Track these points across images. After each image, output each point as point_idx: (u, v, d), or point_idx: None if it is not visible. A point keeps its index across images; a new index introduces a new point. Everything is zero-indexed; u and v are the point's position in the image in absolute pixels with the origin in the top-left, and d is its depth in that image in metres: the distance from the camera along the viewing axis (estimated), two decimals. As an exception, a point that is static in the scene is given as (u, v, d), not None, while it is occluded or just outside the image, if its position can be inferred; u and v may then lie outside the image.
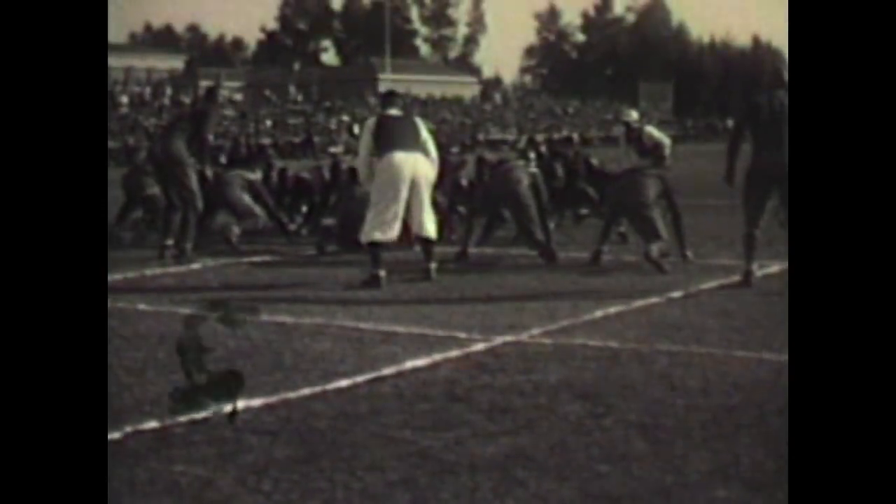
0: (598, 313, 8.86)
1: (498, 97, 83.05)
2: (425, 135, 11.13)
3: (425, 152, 10.98)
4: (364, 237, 10.82)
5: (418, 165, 10.83)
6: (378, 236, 10.68)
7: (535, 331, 8.17)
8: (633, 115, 16.48)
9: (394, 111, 11.29)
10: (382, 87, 69.16)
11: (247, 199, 14.15)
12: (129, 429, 5.56)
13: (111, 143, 39.31)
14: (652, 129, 15.83)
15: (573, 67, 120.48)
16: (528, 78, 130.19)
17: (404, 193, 10.70)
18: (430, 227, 10.97)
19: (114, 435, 5.44)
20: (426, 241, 11.07)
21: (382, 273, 10.64)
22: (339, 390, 6.42)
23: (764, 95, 10.12)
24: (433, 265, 11.04)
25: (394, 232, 10.73)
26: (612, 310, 8.97)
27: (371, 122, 11.45)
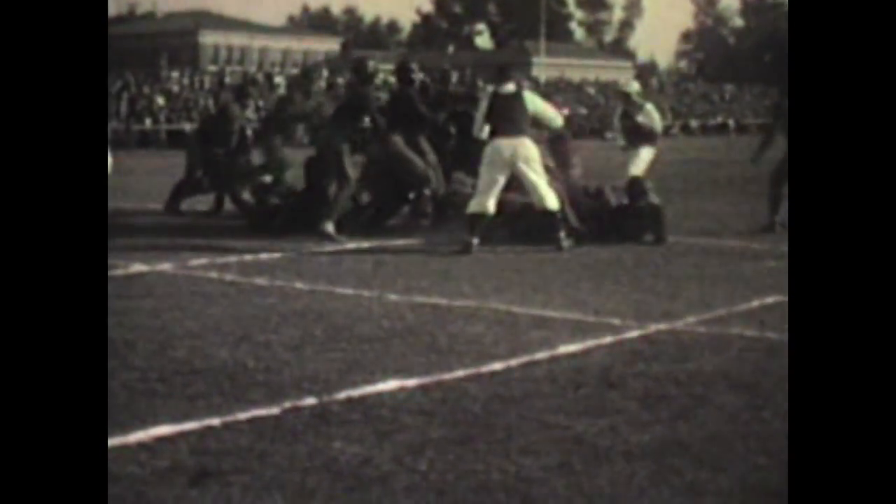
0: (755, 303, 8.71)
1: (653, 82, 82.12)
2: (533, 109, 12.05)
3: (530, 133, 11.92)
4: (468, 209, 11.92)
5: (518, 150, 11.71)
6: (475, 209, 11.77)
7: (690, 319, 8.08)
8: (635, 86, 15.65)
9: (507, 88, 12.07)
10: (536, 72, 69.05)
11: None
12: (287, 405, 5.67)
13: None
14: (651, 109, 15.00)
15: (730, 53, 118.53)
16: (683, 63, 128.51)
17: (502, 178, 11.78)
18: (549, 201, 11.78)
19: (273, 411, 5.57)
20: (549, 214, 11.85)
21: (475, 241, 11.63)
22: (493, 373, 6.44)
23: None
24: (562, 234, 11.83)
25: (489, 207, 11.74)
26: (770, 300, 8.80)
27: (485, 99, 12.29)
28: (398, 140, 13.24)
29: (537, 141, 12.27)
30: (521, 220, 12.42)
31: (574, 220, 12.42)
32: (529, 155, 11.77)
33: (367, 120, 13.11)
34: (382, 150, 13.26)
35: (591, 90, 67.24)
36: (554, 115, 12.43)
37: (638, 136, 14.20)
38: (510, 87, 12.11)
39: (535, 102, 12.24)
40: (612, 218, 12.71)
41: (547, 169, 12.31)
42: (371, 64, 13.57)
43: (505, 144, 11.73)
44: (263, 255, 11.33)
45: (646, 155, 14.00)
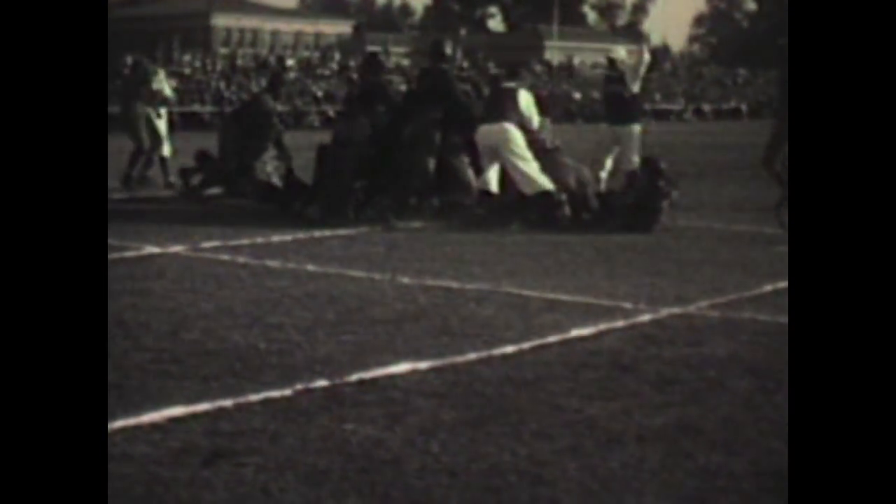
0: (768, 287, 8.69)
1: (667, 66, 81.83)
2: (524, 104, 12.72)
3: (517, 121, 12.51)
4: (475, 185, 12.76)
5: (497, 134, 12.39)
6: (480, 186, 12.61)
7: (703, 303, 8.07)
8: (622, 52, 14.79)
9: (509, 84, 13.02)
10: (549, 55, 68.93)
11: None
12: (300, 386, 5.68)
13: (281, 107, 39.87)
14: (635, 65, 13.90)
15: (744, 37, 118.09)
16: (696, 47, 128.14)
17: (488, 160, 12.53)
18: (539, 183, 12.24)
19: (285, 392, 5.58)
20: (545, 195, 12.19)
21: (479, 211, 12.41)
22: (505, 356, 6.44)
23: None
24: (563, 211, 12.16)
25: (490, 186, 12.49)
26: (782, 284, 8.76)
27: (487, 93, 13.45)
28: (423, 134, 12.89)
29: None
30: (531, 211, 12.38)
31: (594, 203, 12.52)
32: (508, 138, 12.37)
33: (382, 110, 13.19)
34: (402, 133, 12.95)
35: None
36: (532, 116, 12.88)
37: (625, 110, 13.61)
38: (511, 84, 13.10)
39: (525, 99, 12.91)
40: (636, 205, 12.40)
41: (542, 151, 12.73)
42: (384, 58, 13.77)
43: (486, 130, 12.54)
44: (275, 238, 11.34)
45: (638, 132, 13.59)
